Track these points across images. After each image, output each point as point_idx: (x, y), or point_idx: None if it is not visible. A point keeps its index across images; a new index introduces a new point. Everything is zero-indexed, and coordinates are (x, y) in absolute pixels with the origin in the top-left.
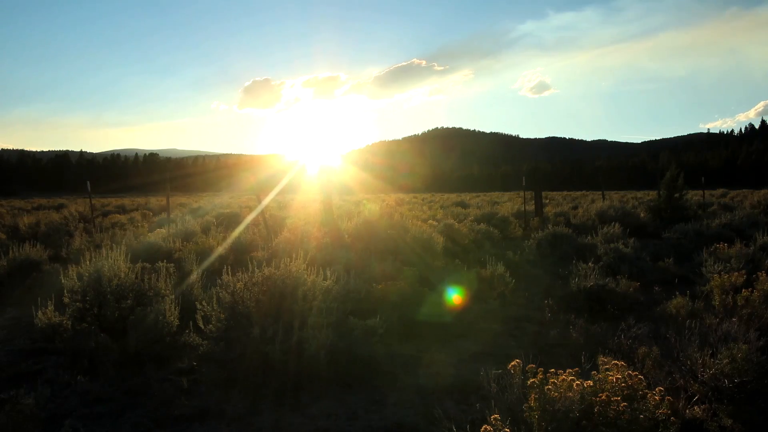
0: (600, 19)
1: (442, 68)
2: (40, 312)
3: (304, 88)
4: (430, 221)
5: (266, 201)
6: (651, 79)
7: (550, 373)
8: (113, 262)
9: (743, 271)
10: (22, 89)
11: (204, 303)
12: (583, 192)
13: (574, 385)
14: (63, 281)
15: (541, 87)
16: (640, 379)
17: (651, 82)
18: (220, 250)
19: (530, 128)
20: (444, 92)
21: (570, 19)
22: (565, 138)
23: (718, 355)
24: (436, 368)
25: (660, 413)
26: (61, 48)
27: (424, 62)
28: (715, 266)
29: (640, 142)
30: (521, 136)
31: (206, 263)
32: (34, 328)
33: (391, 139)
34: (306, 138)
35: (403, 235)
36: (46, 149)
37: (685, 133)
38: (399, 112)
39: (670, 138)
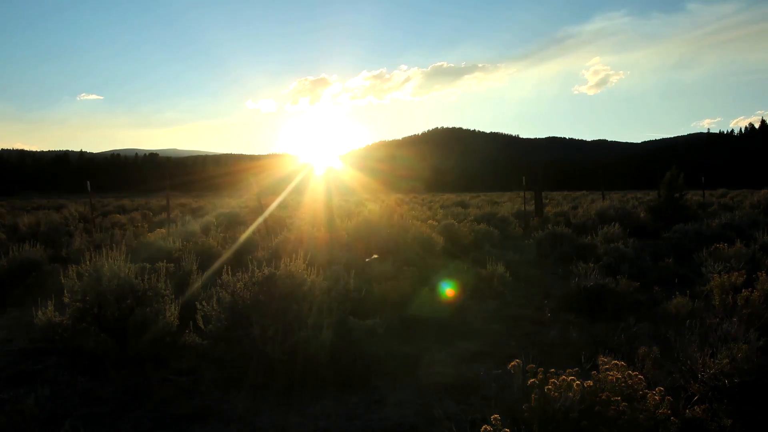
0: (743, 11)
1: (497, 64)
2: (39, 312)
3: (339, 89)
4: (430, 221)
5: (272, 206)
6: (748, 70)
7: (550, 373)
8: (113, 262)
9: (743, 271)
10: (60, 87)
11: (204, 303)
12: (583, 192)
13: (574, 385)
14: (63, 281)
15: (602, 83)
16: (640, 379)
17: (745, 74)
18: (226, 254)
19: (531, 128)
20: (484, 91)
21: (710, 10)
22: (565, 138)
23: (718, 355)
24: (436, 368)
25: (660, 413)
26: (100, 45)
27: (482, 64)
28: (715, 266)
29: (640, 141)
30: (521, 135)
31: (212, 268)
32: (34, 328)
33: (391, 139)
34: (319, 138)
35: (403, 235)
36: (101, 150)
37: (685, 133)
38: (434, 109)
39: (670, 138)
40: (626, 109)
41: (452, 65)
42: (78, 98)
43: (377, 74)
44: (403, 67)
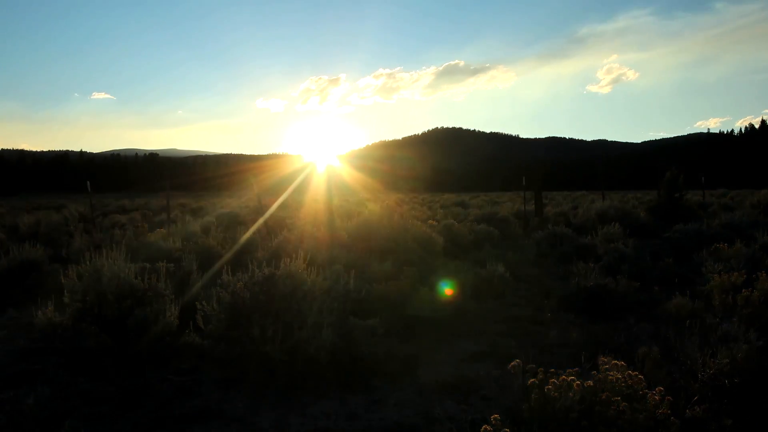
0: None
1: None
2: (39, 312)
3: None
4: (430, 221)
5: (273, 207)
6: (763, 68)
7: (550, 373)
8: (113, 262)
9: (743, 271)
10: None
11: (204, 303)
12: (583, 192)
13: (574, 385)
14: (63, 281)
15: (615, 81)
16: (640, 379)
17: (760, 73)
18: (226, 254)
19: (541, 127)
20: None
21: (736, 9)
22: (565, 138)
23: (718, 355)
24: (436, 368)
25: (660, 413)
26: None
27: (497, 68)
28: (715, 266)
29: (640, 141)
30: (521, 136)
31: (212, 268)
32: (34, 328)
33: (391, 139)
34: (323, 138)
35: (403, 235)
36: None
37: (685, 133)
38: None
39: (670, 138)
40: (639, 107)
41: (467, 63)
42: (90, 97)
43: (389, 73)
44: (424, 67)
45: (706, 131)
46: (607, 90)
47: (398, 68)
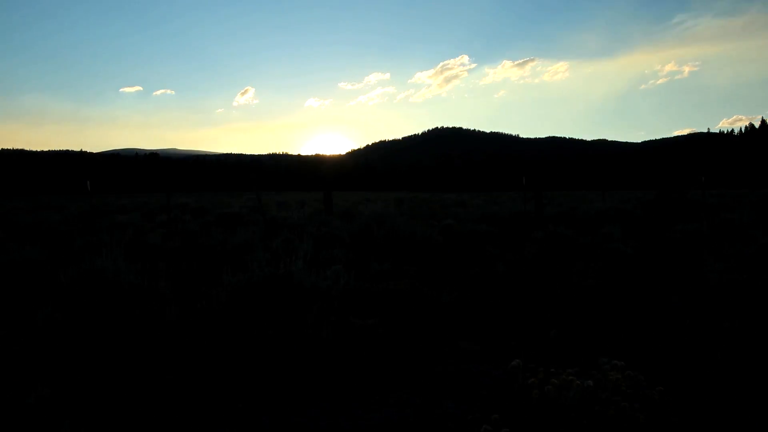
0: None
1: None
2: (40, 312)
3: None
4: (430, 221)
5: (274, 207)
6: None
7: (550, 372)
8: (113, 261)
9: (743, 271)
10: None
11: (204, 302)
12: (584, 191)
13: (574, 384)
14: (62, 281)
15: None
16: (640, 379)
17: None
18: (226, 254)
19: (531, 128)
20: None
21: None
22: (565, 138)
23: (717, 354)
24: (437, 368)
25: (660, 413)
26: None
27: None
28: (715, 266)
29: (640, 141)
30: (521, 135)
31: (212, 268)
32: (34, 328)
33: (391, 138)
34: (334, 138)
35: (404, 235)
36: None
37: (685, 133)
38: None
39: (670, 138)
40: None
41: (542, 60)
42: (152, 94)
43: (438, 69)
44: (506, 62)
45: (706, 131)
46: (683, 76)
47: (466, 57)
